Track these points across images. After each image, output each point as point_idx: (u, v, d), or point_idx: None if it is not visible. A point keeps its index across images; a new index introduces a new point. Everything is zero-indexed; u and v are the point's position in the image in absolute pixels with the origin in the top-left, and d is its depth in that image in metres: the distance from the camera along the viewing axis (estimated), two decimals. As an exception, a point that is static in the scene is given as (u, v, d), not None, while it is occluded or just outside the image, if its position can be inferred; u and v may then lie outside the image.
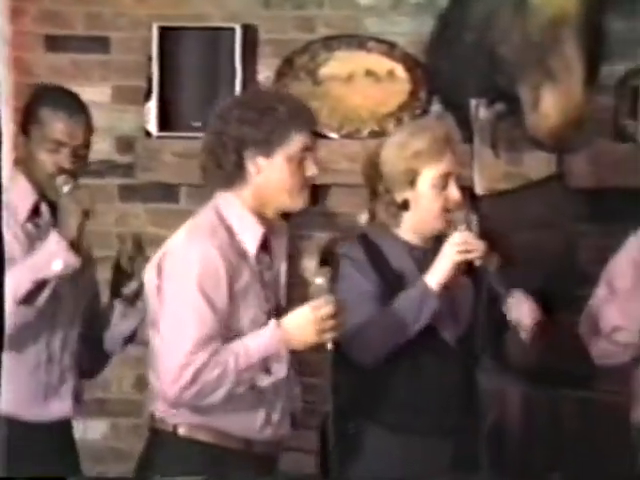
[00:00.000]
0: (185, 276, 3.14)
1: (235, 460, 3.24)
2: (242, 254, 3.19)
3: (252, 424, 3.22)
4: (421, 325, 3.32)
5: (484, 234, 3.44)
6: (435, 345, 3.35)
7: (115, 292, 3.46)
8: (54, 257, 3.23)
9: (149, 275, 3.19)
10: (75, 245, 3.23)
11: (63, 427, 3.49)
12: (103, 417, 4.37)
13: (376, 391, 3.38)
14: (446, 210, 3.39)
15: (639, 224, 3.67)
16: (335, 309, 3.12)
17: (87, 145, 3.35)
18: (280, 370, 3.17)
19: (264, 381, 3.18)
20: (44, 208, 3.30)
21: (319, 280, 3.19)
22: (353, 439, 3.42)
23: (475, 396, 3.49)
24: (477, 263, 3.30)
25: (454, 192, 3.36)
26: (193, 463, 3.23)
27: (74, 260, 3.23)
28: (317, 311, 3.10)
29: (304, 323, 3.16)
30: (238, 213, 3.22)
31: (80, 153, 3.31)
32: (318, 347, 3.18)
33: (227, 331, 3.15)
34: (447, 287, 3.35)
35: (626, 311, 3.68)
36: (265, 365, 3.16)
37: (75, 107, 3.36)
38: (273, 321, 3.14)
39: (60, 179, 3.25)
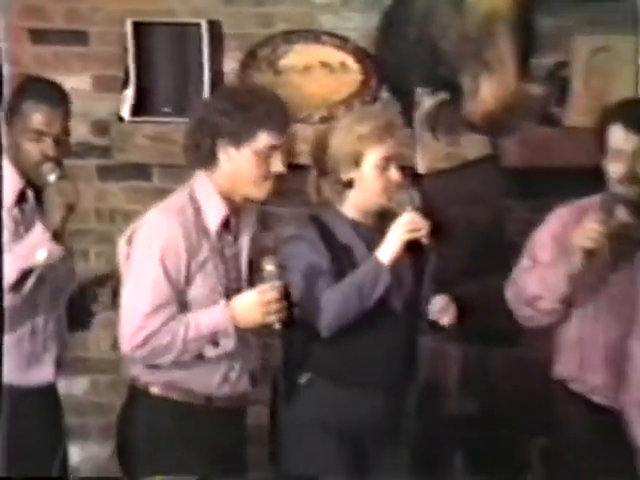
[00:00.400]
0: (149, 248, 3.44)
1: (200, 414, 3.54)
2: (205, 231, 3.48)
3: (211, 382, 3.51)
4: (376, 297, 3.57)
5: (425, 211, 3.66)
6: (383, 311, 3.59)
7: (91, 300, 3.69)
8: (39, 247, 3.41)
9: (122, 244, 3.47)
10: (58, 236, 3.42)
11: (48, 388, 3.70)
12: (84, 374, 4.52)
13: (324, 349, 3.61)
14: (387, 189, 3.63)
15: (562, 201, 3.90)
16: (280, 294, 3.42)
17: (67, 132, 3.55)
18: (227, 344, 3.47)
19: (211, 352, 3.49)
20: (30, 194, 3.47)
21: (269, 267, 3.46)
22: (301, 390, 3.69)
23: (415, 355, 3.76)
24: (424, 241, 3.57)
25: (394, 174, 3.59)
26: (164, 417, 3.52)
27: (57, 250, 3.42)
28: (263, 295, 3.39)
29: (251, 305, 3.45)
30: (207, 193, 3.51)
31: (61, 140, 3.50)
32: (266, 326, 3.51)
33: (184, 299, 3.46)
34: (395, 261, 3.66)
35: (545, 281, 3.85)
36: (213, 338, 3.47)
37: (56, 98, 3.54)
38: (222, 301, 3.42)
39: (46, 167, 3.45)
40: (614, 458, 3.66)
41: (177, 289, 3.46)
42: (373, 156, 3.60)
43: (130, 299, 3.48)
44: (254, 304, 3.45)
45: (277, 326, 3.47)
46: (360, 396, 3.66)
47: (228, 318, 3.46)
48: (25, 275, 3.45)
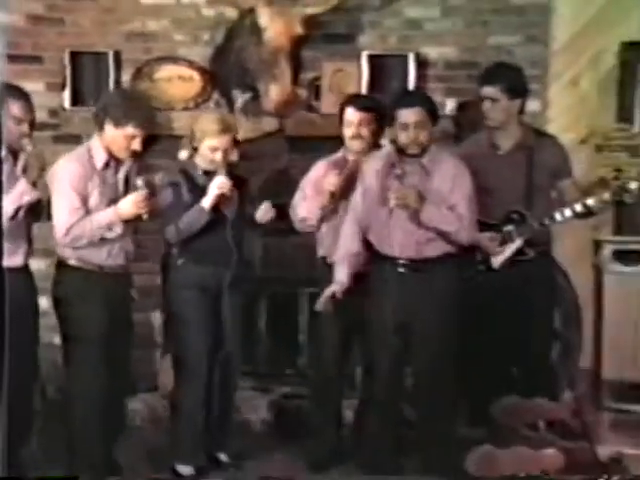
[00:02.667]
0: (63, 180, 4.27)
1: (97, 277, 4.43)
2: (95, 168, 4.36)
3: (101, 257, 4.42)
4: (199, 226, 4.57)
5: (235, 175, 4.64)
6: (221, 219, 4.65)
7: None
8: (25, 194, 4.03)
9: (48, 178, 4.25)
10: (35, 186, 4.05)
11: (25, 269, 4.31)
12: (43, 258, 4.95)
13: (189, 245, 4.67)
14: (213, 161, 4.59)
15: (321, 156, 4.96)
16: (145, 197, 4.30)
17: (34, 119, 4.20)
18: (117, 229, 4.39)
19: (110, 235, 4.40)
20: (10, 157, 4.03)
21: (139, 182, 4.39)
22: (169, 267, 4.80)
23: (242, 243, 4.75)
24: (228, 194, 4.56)
25: (218, 157, 4.60)
26: (77, 279, 4.39)
27: (36, 195, 4.07)
28: (136, 197, 4.33)
29: (129, 203, 4.34)
30: (97, 147, 4.39)
31: (32, 123, 4.18)
32: (138, 217, 4.32)
33: (87, 206, 4.28)
34: (219, 203, 4.53)
35: (309, 208, 4.83)
36: (109, 227, 4.36)
37: (24, 96, 4.20)
38: (113, 205, 4.31)
39: (25, 141, 4.10)
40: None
41: (82, 201, 4.27)
42: (206, 144, 4.65)
43: (57, 209, 4.28)
44: (130, 202, 4.34)
45: (145, 217, 4.40)
46: (211, 269, 4.69)
47: (115, 213, 4.34)
48: (17, 210, 4.07)
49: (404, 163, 4.59)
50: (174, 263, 4.73)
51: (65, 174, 4.29)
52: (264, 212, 4.70)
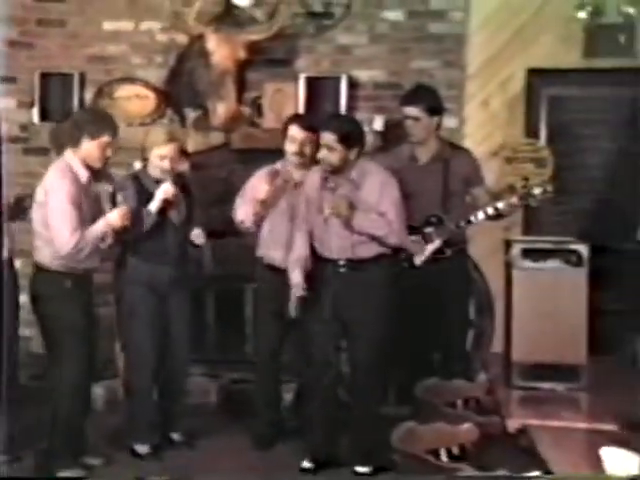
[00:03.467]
0: (58, 194, 4.27)
1: (70, 278, 4.44)
2: (80, 183, 4.38)
3: (81, 262, 4.44)
4: (147, 227, 4.57)
5: (182, 184, 4.71)
6: (169, 225, 4.71)
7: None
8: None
9: (39, 194, 4.29)
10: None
11: (9, 264, 4.29)
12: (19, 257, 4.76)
13: (139, 243, 4.66)
14: (163, 171, 4.61)
15: (262, 166, 4.91)
16: (125, 212, 4.45)
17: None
18: (109, 239, 4.44)
19: (103, 245, 4.45)
20: None
21: (119, 198, 4.58)
22: (122, 265, 4.74)
23: (186, 247, 4.80)
24: (172, 199, 4.60)
25: (165, 165, 4.63)
26: (53, 280, 4.40)
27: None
28: (121, 210, 4.46)
29: (116, 215, 4.45)
30: (76, 164, 4.38)
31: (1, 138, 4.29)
32: (124, 228, 4.42)
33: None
34: (165, 207, 4.56)
35: (246, 212, 4.86)
36: (104, 238, 4.45)
37: None
38: (103, 218, 4.37)
39: None
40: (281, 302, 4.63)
41: (79, 216, 4.29)
42: (155, 152, 4.69)
43: (59, 226, 4.29)
44: (117, 215, 4.46)
45: (128, 227, 4.51)
46: (159, 268, 4.72)
47: (106, 224, 4.44)
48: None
49: (336, 177, 4.60)
50: (126, 261, 4.72)
51: (60, 191, 4.31)
52: (196, 236, 4.77)
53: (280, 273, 4.75)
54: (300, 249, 4.62)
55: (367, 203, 4.55)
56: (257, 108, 5.83)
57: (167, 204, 4.61)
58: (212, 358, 5.80)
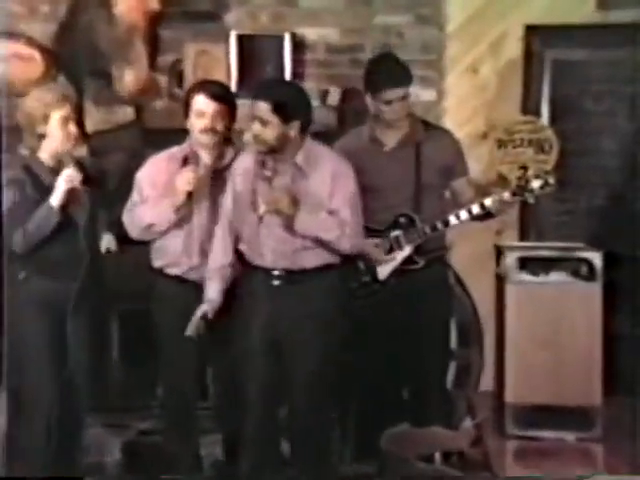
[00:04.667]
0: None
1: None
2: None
3: None
4: (49, 229, 4.62)
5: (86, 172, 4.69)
6: (71, 227, 4.71)
7: None
8: None
9: None
10: None
11: None
12: None
13: (32, 252, 4.67)
14: (69, 139, 4.63)
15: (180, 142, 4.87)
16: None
17: None
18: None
19: None
20: None
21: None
22: (18, 282, 4.73)
23: (91, 256, 4.78)
24: (78, 187, 4.62)
25: (72, 128, 4.66)
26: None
27: None
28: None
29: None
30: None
31: None
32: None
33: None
34: (68, 202, 4.55)
35: (157, 212, 4.81)
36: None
37: None
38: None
39: None
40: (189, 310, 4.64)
41: None
42: (56, 116, 4.66)
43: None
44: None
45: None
46: (57, 283, 4.72)
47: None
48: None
49: (275, 162, 4.61)
50: (15, 277, 4.74)
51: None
52: (107, 242, 4.92)
53: (193, 287, 4.79)
54: (221, 255, 4.65)
55: (315, 197, 4.57)
56: (176, 76, 5.91)
57: (71, 197, 4.63)
58: (115, 404, 5.82)
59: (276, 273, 4.61)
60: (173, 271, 4.90)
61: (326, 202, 4.58)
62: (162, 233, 4.88)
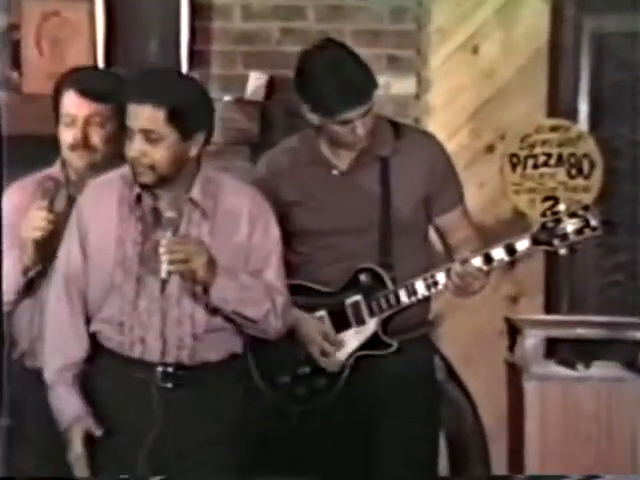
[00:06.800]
0: None
1: None
2: None
3: None
4: None
5: None
6: None
7: None
8: None
9: None
10: None
11: None
12: None
13: None
14: None
15: (21, 173, 5.01)
16: None
17: None
18: None
19: None
20: None
21: None
22: None
23: None
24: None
25: None
26: None
27: None
28: None
29: None
30: None
31: None
32: None
33: None
34: None
35: (5, 271, 4.66)
36: None
37: None
38: None
39: None
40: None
41: None
42: None
43: None
44: None
45: None
46: None
47: None
48: None
49: (157, 198, 4.68)
50: None
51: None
52: None
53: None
54: (72, 344, 4.70)
55: (226, 251, 4.63)
56: (11, 51, 6.04)
57: None
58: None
59: (169, 370, 4.62)
60: (33, 363, 4.99)
61: (240, 259, 4.65)
62: (12, 305, 4.96)
